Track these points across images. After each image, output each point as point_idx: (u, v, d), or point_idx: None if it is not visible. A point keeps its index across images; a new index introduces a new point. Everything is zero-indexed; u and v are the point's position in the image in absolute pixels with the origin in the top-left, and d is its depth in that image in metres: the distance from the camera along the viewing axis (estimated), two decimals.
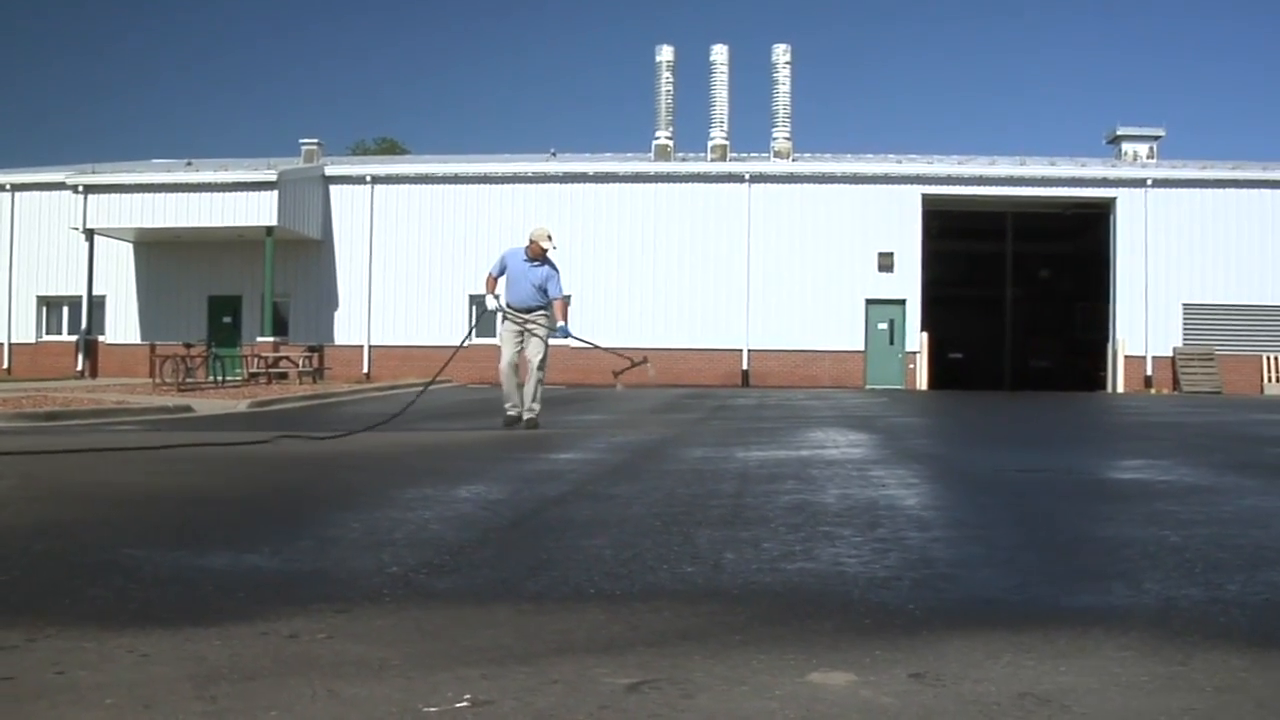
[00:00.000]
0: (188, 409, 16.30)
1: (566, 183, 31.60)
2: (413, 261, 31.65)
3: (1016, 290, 39.96)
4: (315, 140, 35.67)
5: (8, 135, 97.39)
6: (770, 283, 30.79)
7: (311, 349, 28.16)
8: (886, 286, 30.70)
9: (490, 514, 5.21)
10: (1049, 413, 18.67)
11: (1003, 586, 3.59)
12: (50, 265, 32.49)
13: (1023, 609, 3.27)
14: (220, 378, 23.81)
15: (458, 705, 2.26)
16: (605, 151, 36.39)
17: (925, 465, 8.08)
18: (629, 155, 34.38)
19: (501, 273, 11.61)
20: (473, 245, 30.83)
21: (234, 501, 5.89)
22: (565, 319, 11.74)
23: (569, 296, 12.86)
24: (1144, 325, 30.42)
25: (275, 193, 28.82)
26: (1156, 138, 34.56)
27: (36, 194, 32.53)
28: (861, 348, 30.74)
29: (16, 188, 32.84)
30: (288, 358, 27.03)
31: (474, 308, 30.28)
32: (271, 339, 28.74)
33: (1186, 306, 30.48)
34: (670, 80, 32.75)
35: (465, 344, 14.95)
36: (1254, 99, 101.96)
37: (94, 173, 30.32)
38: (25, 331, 32.86)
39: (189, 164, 33.84)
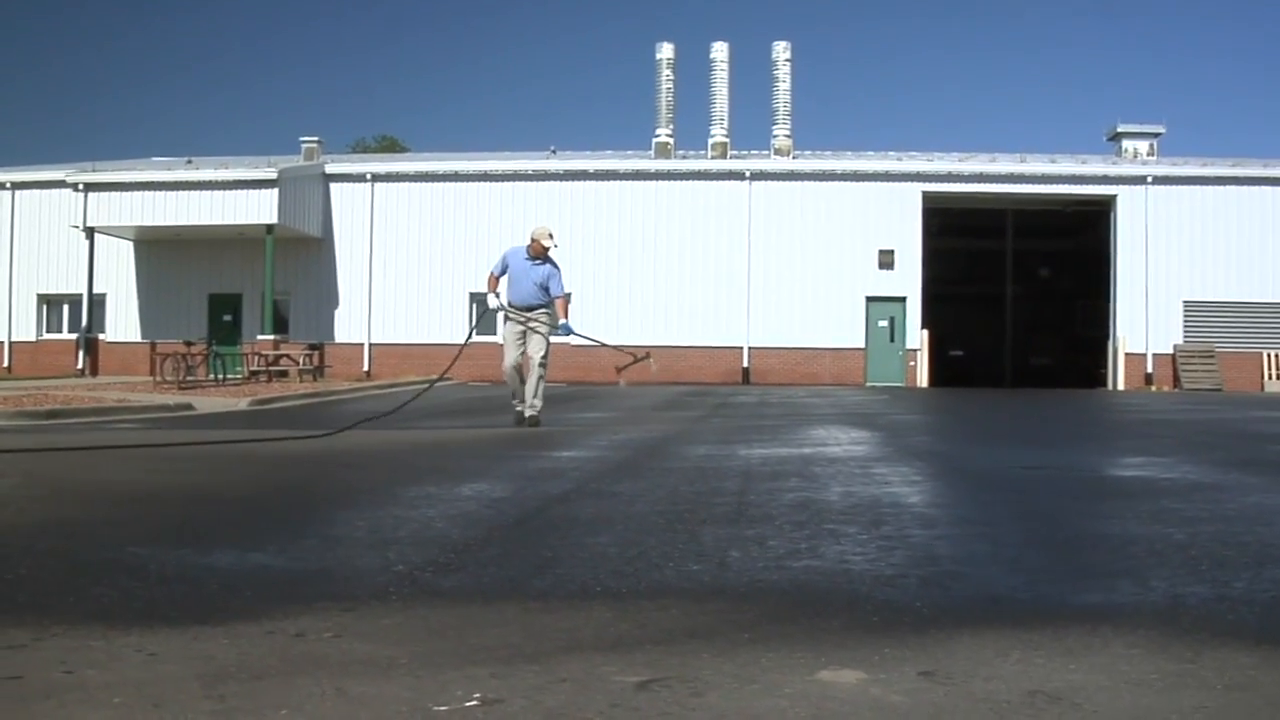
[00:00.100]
0: (188, 407, 16.30)
1: (567, 180, 31.59)
2: (413, 259, 31.64)
3: (1017, 287, 39.95)
4: (315, 138, 35.64)
5: (8, 133, 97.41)
6: (771, 280, 30.78)
7: (312, 347, 28.15)
8: (887, 284, 30.69)
9: (494, 512, 5.21)
10: (1050, 410, 18.67)
11: (1009, 584, 3.58)
12: (51, 263, 32.47)
13: (1030, 606, 3.26)
14: (221, 376, 23.80)
15: (468, 704, 2.25)
16: (605, 149, 36.38)
17: (928, 463, 8.08)
18: (629, 153, 34.35)
19: (503, 272, 11.62)
20: (473, 243, 30.82)
21: (237, 500, 5.88)
22: (566, 316, 11.76)
23: (569, 294, 12.88)
24: (1144, 322, 30.41)
25: (275, 191, 28.79)
26: (1157, 135, 34.53)
27: (37, 192, 32.50)
28: (862, 345, 30.73)
29: (17, 186, 32.81)
30: (288, 356, 27.03)
31: (474, 305, 30.29)
32: (272, 337, 28.72)
33: (1187, 304, 30.47)
34: (670, 78, 32.73)
35: (468, 343, 14.95)
36: (1254, 96, 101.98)
37: (94, 171, 30.29)
38: (26, 330, 32.84)
39: (189, 162, 33.82)
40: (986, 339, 38.95)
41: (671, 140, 32.72)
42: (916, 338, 30.54)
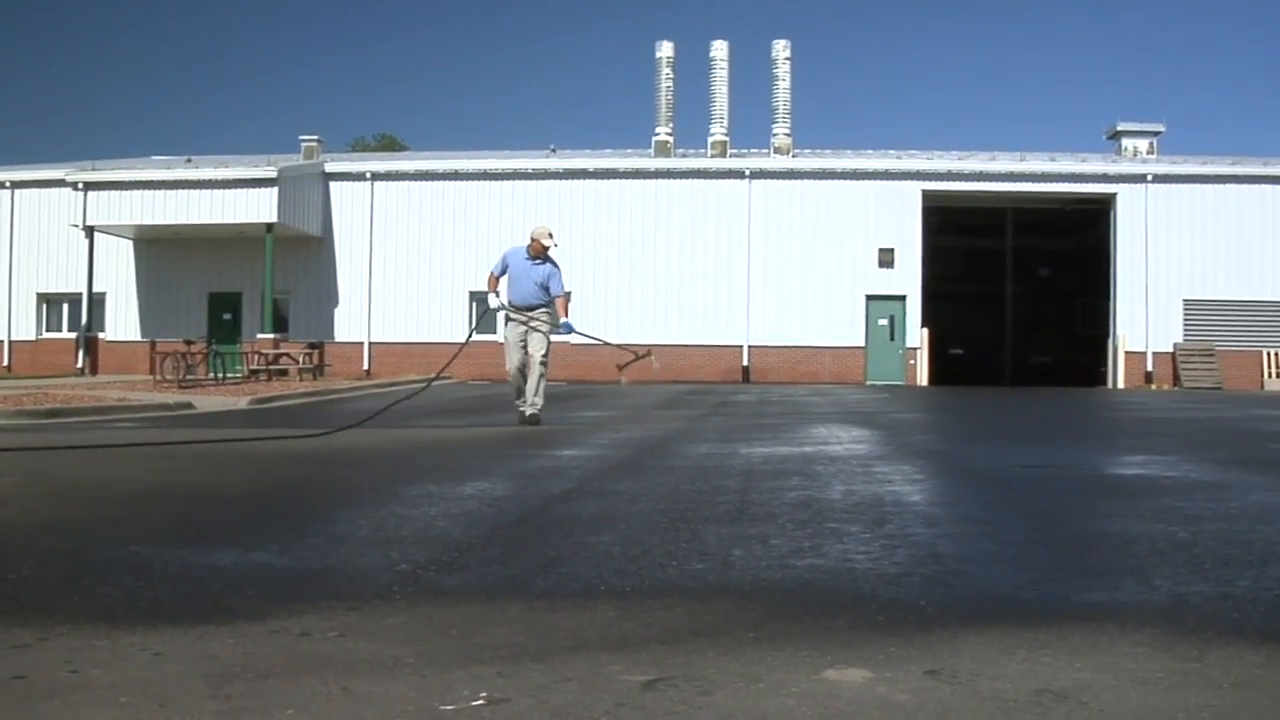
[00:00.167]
0: (188, 406, 16.29)
1: (566, 179, 31.58)
2: (413, 258, 31.62)
3: (1017, 286, 39.94)
4: (315, 137, 35.61)
5: (7, 132, 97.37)
6: (771, 278, 30.77)
7: (312, 346, 28.16)
8: (887, 282, 30.68)
9: (496, 511, 5.21)
10: (1050, 408, 18.67)
11: (1014, 583, 3.58)
12: (50, 262, 32.44)
13: (1035, 605, 3.26)
14: (221, 375, 23.79)
15: (474, 703, 2.25)
16: (605, 148, 36.33)
17: (929, 461, 8.09)
18: (629, 151, 34.33)
19: (503, 272, 11.65)
20: (473, 242, 30.81)
21: (238, 499, 5.88)
22: (567, 315, 11.78)
23: (569, 293, 12.89)
24: (1144, 321, 30.40)
25: (275, 189, 28.77)
26: (1157, 133, 34.53)
27: (36, 191, 32.47)
28: (862, 343, 30.72)
29: (16, 185, 32.78)
30: (288, 354, 27.02)
31: (474, 304, 30.28)
32: (272, 336, 28.71)
33: (1187, 302, 30.46)
34: (670, 76, 32.71)
35: (469, 341, 14.94)
36: (1254, 94, 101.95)
37: (94, 170, 30.27)
38: (25, 329, 32.82)
39: (189, 161, 33.79)
40: (986, 337, 38.93)
41: (671, 139, 32.71)
42: (916, 336, 30.53)
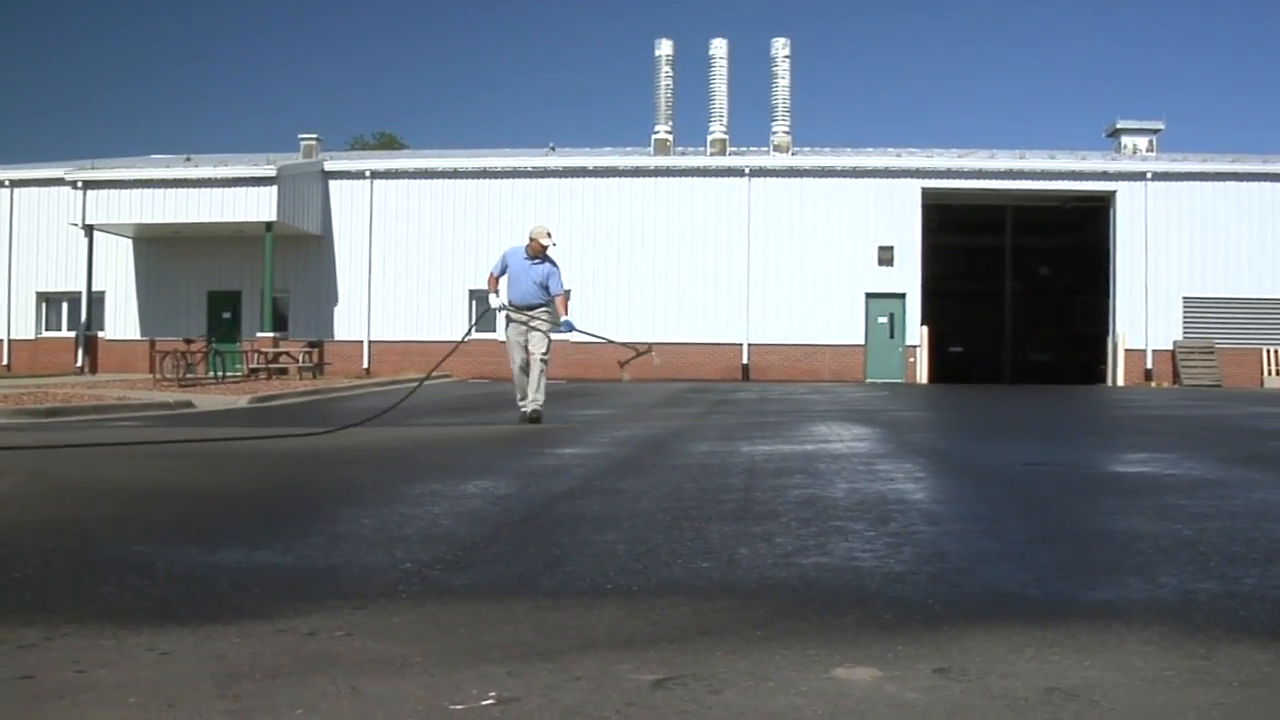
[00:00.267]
0: (188, 405, 16.28)
1: (566, 177, 31.56)
2: (412, 256, 31.61)
3: (1016, 284, 39.92)
4: (314, 135, 35.59)
5: (6, 131, 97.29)
6: (770, 277, 30.76)
7: (311, 344, 28.12)
8: (886, 280, 30.67)
9: (500, 509, 5.21)
10: (1051, 406, 18.68)
11: (1020, 581, 3.58)
12: (49, 261, 32.41)
13: (1041, 603, 3.26)
14: (220, 373, 23.77)
15: (484, 703, 2.24)
16: (605, 146, 36.33)
17: (931, 459, 8.09)
18: (628, 150, 34.31)
19: (502, 272, 11.71)
20: (472, 240, 30.79)
21: (241, 497, 5.88)
22: (567, 313, 11.81)
23: (569, 291, 12.91)
24: (1144, 318, 30.40)
25: (274, 188, 28.75)
26: (1156, 131, 34.55)
27: (36, 190, 32.43)
28: (862, 342, 30.72)
29: (15, 184, 32.74)
30: (288, 353, 27.00)
31: (474, 302, 30.27)
32: (271, 334, 28.69)
33: (1186, 300, 30.45)
34: (669, 74, 32.70)
35: (465, 339, 14.95)
36: (1254, 92, 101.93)
37: (93, 168, 30.23)
38: (25, 328, 32.80)
39: (188, 159, 33.77)
40: (986, 335, 38.92)
41: (671, 137, 32.70)
42: (916, 334, 30.53)
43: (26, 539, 4.37)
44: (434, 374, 15.12)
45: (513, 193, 31.30)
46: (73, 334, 31.46)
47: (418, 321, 31.12)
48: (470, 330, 17.46)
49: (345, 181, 31.97)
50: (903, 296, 30.65)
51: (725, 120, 32.66)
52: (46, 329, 33.00)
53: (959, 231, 36.01)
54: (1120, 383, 30.14)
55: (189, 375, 21.73)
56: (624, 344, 15.08)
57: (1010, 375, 37.84)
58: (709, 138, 32.73)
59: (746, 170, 31.24)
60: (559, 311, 11.66)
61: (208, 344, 25.17)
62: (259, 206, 28.74)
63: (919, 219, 30.74)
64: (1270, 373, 30.11)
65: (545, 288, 11.52)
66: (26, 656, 2.61)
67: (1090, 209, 33.00)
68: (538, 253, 11.49)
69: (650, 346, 14.62)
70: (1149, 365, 30.40)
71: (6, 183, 32.74)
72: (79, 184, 29.10)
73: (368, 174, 31.96)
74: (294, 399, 19.03)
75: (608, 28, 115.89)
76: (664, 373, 25.46)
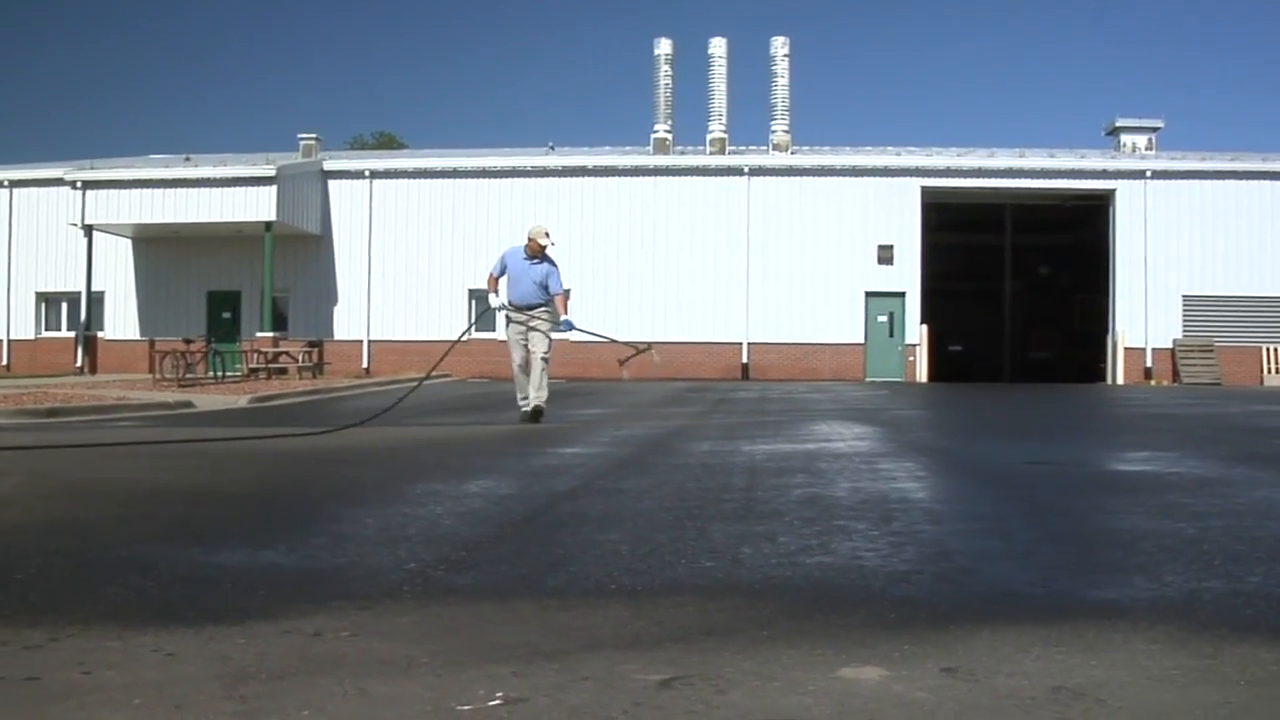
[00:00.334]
0: (188, 405, 16.27)
1: (565, 176, 31.55)
2: (412, 256, 31.59)
3: (1016, 282, 39.92)
4: (313, 135, 35.57)
5: (6, 131, 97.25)
6: (770, 275, 30.76)
7: (311, 344, 28.12)
8: (886, 279, 30.66)
9: (502, 509, 5.20)
10: (1051, 405, 18.68)
11: (1024, 580, 3.58)
12: (49, 261, 32.40)
13: (1046, 602, 3.25)
14: (220, 373, 23.76)
15: (491, 703, 2.24)
16: (604, 145, 36.33)
17: (932, 458, 8.08)
18: (628, 149, 34.31)
19: (502, 272, 11.75)
20: (472, 240, 30.78)
21: (243, 498, 5.88)
22: (567, 312, 11.84)
23: (568, 290, 12.93)
24: (1143, 317, 30.40)
25: (274, 188, 28.74)
26: (1155, 129, 34.55)
27: (35, 190, 32.41)
28: (861, 340, 30.72)
29: (15, 184, 32.72)
30: (287, 353, 26.99)
31: (473, 302, 30.27)
32: (271, 334, 28.68)
33: (1186, 298, 30.46)
34: (669, 73, 32.69)
35: (464, 338, 14.97)
36: (1253, 90, 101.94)
37: (92, 169, 30.22)
38: (24, 328, 32.78)
39: (187, 159, 33.76)
40: (985, 334, 38.91)
41: (670, 136, 32.69)
42: (916, 333, 30.53)
43: (29, 540, 4.37)
44: (434, 374, 15.11)
45: (512, 192, 31.30)
46: (72, 334, 31.44)
47: (417, 321, 31.11)
48: (469, 330, 17.51)
49: (344, 181, 31.96)
50: (902, 295, 30.64)
51: (724, 119, 32.65)
52: (46, 329, 32.99)
53: (958, 230, 36.01)
54: (1120, 381, 30.15)
55: (189, 375, 21.72)
56: (624, 343, 15.10)
57: (1010, 374, 37.84)
58: (708, 137, 32.72)
59: (746, 169, 31.24)
60: (559, 311, 11.69)
61: (207, 344, 25.17)
62: (258, 206, 28.72)
63: (918, 218, 30.74)
64: (1270, 371, 30.12)
65: (544, 287, 11.55)
66: (32, 658, 2.60)
67: (1090, 207, 32.99)
68: (536, 253, 11.52)
69: (650, 345, 14.64)
70: (1148, 363, 30.41)
71: (6, 183, 32.72)
72: (78, 184, 29.09)
73: (367, 174, 31.95)
74: (294, 399, 19.02)
75: (607, 27, 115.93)
76: (664, 372, 25.45)
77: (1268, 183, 30.62)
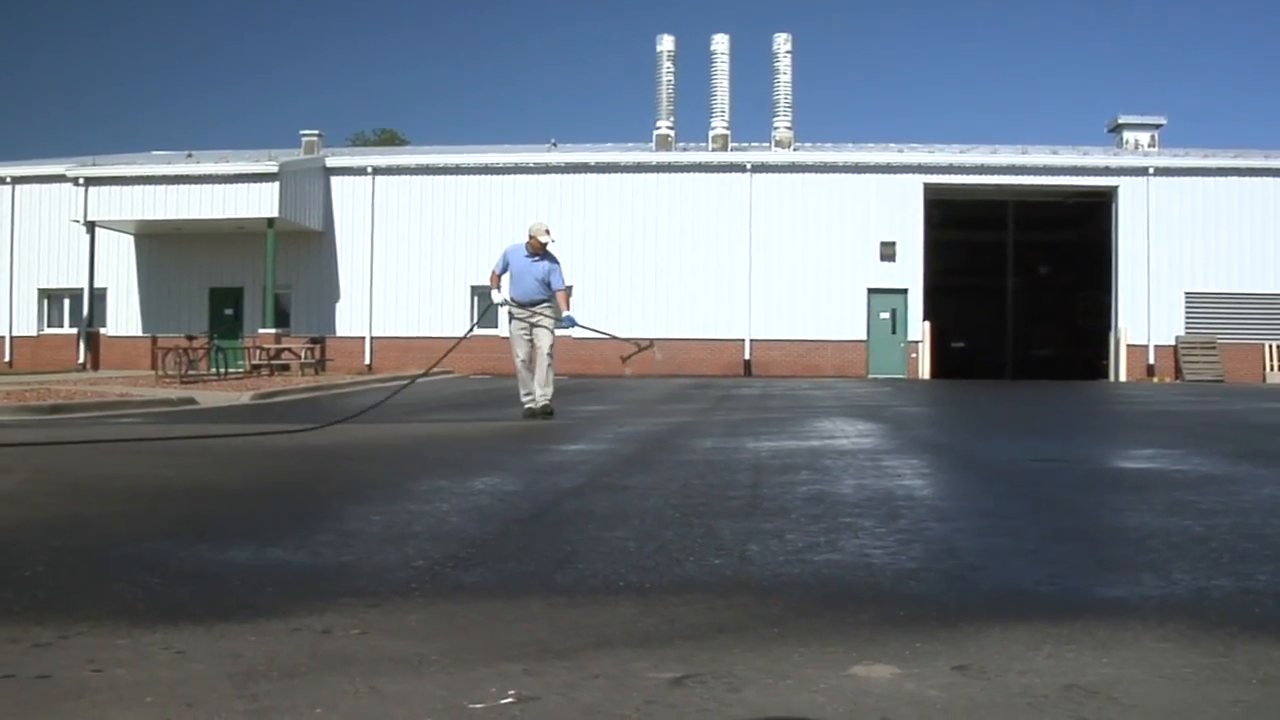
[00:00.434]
0: (191, 401, 16.26)
1: (568, 173, 31.54)
2: (414, 253, 31.59)
3: (1018, 279, 39.86)
4: (316, 132, 35.55)
5: (8, 128, 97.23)
6: (772, 272, 30.74)
7: (313, 340, 28.12)
8: (888, 276, 30.65)
9: (508, 506, 5.20)
10: (1054, 402, 18.66)
11: (1033, 577, 3.57)
12: (51, 258, 32.40)
13: (1056, 600, 3.25)
14: (222, 370, 23.76)
15: (503, 701, 2.23)
16: (606, 142, 36.34)
17: (937, 455, 8.08)
18: (630, 145, 34.30)
19: (504, 269, 11.78)
20: (474, 236, 30.78)
21: (248, 495, 5.88)
22: (569, 309, 11.86)
23: (571, 287, 12.93)
24: (1146, 314, 30.38)
25: (276, 184, 28.73)
26: (1158, 126, 34.50)
27: (37, 186, 32.42)
28: (864, 337, 30.71)
29: (17, 180, 32.73)
30: (290, 349, 27.00)
31: (475, 299, 30.28)
32: (273, 331, 28.68)
33: (1189, 295, 30.43)
34: (671, 70, 32.66)
35: (469, 335, 14.95)
36: (1256, 87, 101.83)
37: (94, 165, 30.23)
38: (27, 324, 32.79)
39: (189, 156, 33.76)
40: (988, 331, 38.88)
41: (672, 132, 32.67)
42: (918, 330, 30.52)
43: (36, 537, 4.36)
44: (437, 370, 15.10)
45: (514, 189, 31.29)
46: (74, 330, 31.46)
47: (419, 317, 31.11)
48: (473, 327, 17.48)
49: (347, 178, 31.95)
50: (905, 292, 30.63)
51: (727, 116, 32.63)
52: (48, 326, 32.99)
53: (961, 227, 35.97)
54: (1122, 378, 30.14)
55: (191, 372, 21.73)
56: (626, 339, 15.11)
57: (1012, 371, 37.81)
58: (711, 133, 32.70)
59: (748, 166, 31.22)
60: (561, 307, 11.71)
61: (210, 340, 25.17)
62: (261, 203, 28.72)
63: (921, 214, 30.72)
64: (1272, 368, 30.09)
65: (546, 284, 11.60)
66: (42, 655, 2.60)
67: (1092, 204, 32.96)
68: (537, 250, 11.56)
69: (652, 342, 14.65)
70: (1151, 360, 30.39)
71: (8, 179, 32.72)
72: (81, 180, 29.09)
73: (369, 170, 31.94)
74: (296, 396, 19.02)
75: (609, 23, 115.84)
76: (666, 368, 25.46)
77: (1271, 179, 30.59)
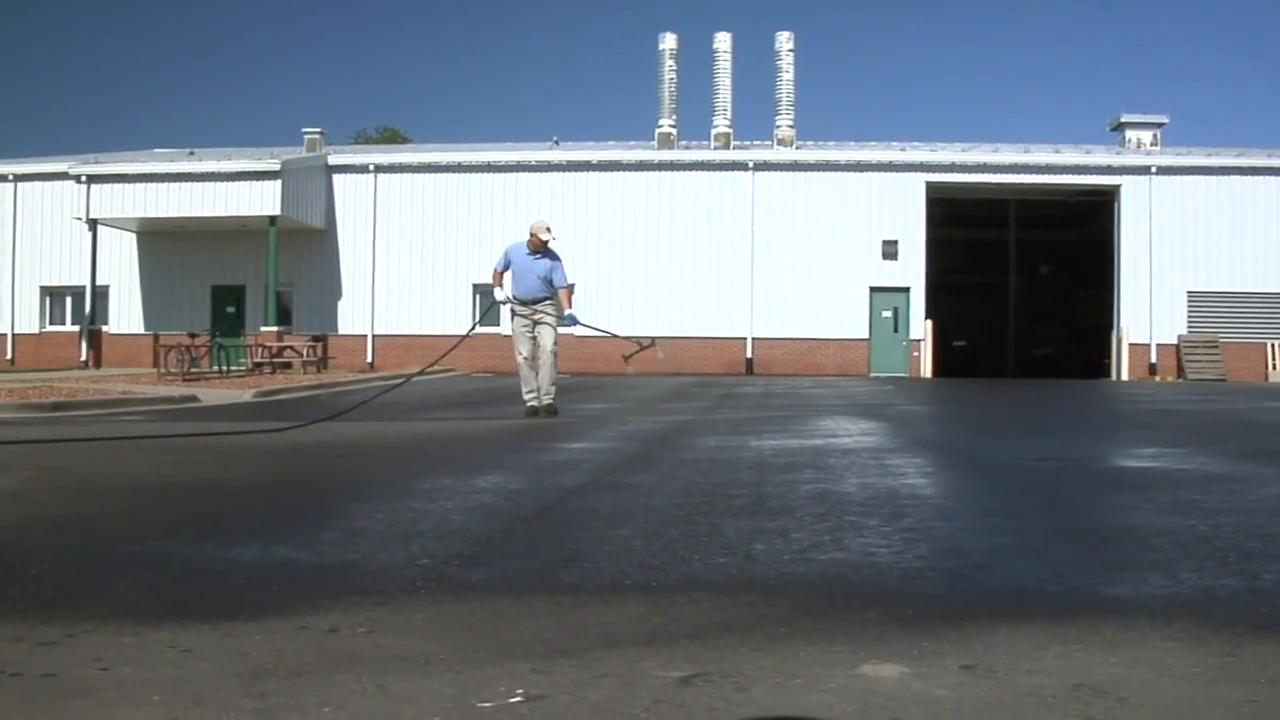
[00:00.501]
0: (193, 399, 16.27)
1: (570, 171, 31.53)
2: (416, 251, 31.60)
3: (1020, 278, 39.87)
4: (318, 129, 35.56)
5: (10, 125, 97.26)
6: (774, 271, 30.74)
7: (315, 338, 28.15)
8: (891, 274, 30.65)
9: (512, 504, 5.19)
10: (1056, 400, 18.65)
11: (1039, 577, 3.57)
12: (53, 255, 32.42)
13: (1063, 599, 3.24)
14: (225, 367, 23.78)
15: (511, 700, 2.23)
16: (609, 140, 36.33)
17: (940, 454, 8.07)
18: (632, 143, 34.30)
19: (506, 267, 11.79)
20: (476, 234, 30.78)
21: (252, 492, 5.88)
22: (570, 306, 11.88)
23: (573, 285, 12.95)
24: (1148, 313, 30.37)
25: (278, 182, 28.74)
26: (1160, 125, 34.48)
27: (39, 184, 32.43)
28: (866, 336, 30.71)
29: (19, 178, 32.74)
30: (292, 347, 27.01)
31: (478, 297, 30.29)
32: (275, 329, 28.70)
33: (1191, 294, 30.41)
34: (673, 68, 32.65)
35: (471, 333, 14.96)
36: (1258, 86, 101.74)
37: (97, 163, 30.24)
38: (29, 322, 32.81)
39: (192, 153, 33.76)
40: (990, 329, 38.87)
41: (674, 131, 32.66)
42: (920, 328, 30.51)
43: (40, 535, 4.36)
44: (439, 368, 15.11)
45: (516, 187, 31.29)
46: (77, 328, 31.48)
47: (421, 315, 31.12)
48: (475, 325, 17.49)
49: (349, 175, 31.96)
50: (907, 290, 30.62)
51: (729, 114, 32.62)
52: (50, 323, 33.01)
53: (963, 225, 35.96)
54: (1124, 377, 30.13)
55: (193, 370, 21.74)
56: (627, 338, 15.11)
57: (1014, 369, 37.81)
58: (713, 131, 32.69)
59: (750, 164, 31.21)
60: (563, 305, 11.72)
61: (212, 338, 25.17)
62: (263, 200, 28.73)
63: (923, 213, 30.71)
64: (1275, 367, 30.08)
65: (548, 281, 11.62)
66: (48, 654, 2.60)
67: (1094, 203, 32.94)
68: (538, 248, 11.59)
69: (654, 340, 14.65)
70: (1153, 360, 30.38)
71: (11, 177, 32.74)
72: (83, 178, 29.10)
73: (371, 168, 31.94)
74: (298, 394, 19.02)
75: (611, 21, 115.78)
76: (668, 367, 25.47)
77: (1273, 178, 30.57)
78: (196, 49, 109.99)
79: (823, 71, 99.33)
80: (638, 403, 15.23)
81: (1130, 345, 30.40)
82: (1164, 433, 10.50)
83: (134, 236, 31.93)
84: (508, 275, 11.83)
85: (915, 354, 30.47)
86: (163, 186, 29.06)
